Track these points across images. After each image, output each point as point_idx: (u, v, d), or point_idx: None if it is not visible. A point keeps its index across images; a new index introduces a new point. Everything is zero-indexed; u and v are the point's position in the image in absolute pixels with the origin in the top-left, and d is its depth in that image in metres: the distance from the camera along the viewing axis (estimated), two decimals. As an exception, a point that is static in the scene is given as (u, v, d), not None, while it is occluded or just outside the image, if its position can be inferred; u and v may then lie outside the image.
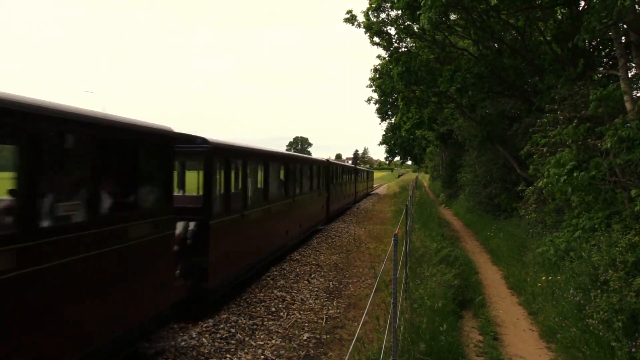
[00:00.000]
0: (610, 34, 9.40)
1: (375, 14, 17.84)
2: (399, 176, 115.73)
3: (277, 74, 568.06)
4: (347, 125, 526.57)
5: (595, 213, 8.61)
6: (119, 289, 5.29)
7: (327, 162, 21.44)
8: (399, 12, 16.24)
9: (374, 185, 60.82)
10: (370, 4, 17.61)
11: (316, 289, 10.08)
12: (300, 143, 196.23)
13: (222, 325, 7.64)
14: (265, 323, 7.90)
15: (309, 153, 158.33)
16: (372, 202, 34.58)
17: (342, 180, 25.95)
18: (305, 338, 7.23)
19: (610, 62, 12.86)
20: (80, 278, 4.64)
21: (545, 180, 8.68)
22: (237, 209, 9.27)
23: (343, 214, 25.66)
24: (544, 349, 6.81)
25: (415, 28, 16.79)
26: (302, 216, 15.37)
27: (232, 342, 7.05)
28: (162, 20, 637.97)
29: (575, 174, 8.04)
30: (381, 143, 57.48)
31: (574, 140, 8.62)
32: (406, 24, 16.84)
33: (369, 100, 41.85)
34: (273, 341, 7.12)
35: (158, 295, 6.32)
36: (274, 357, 6.55)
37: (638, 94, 10.21)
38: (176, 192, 8.76)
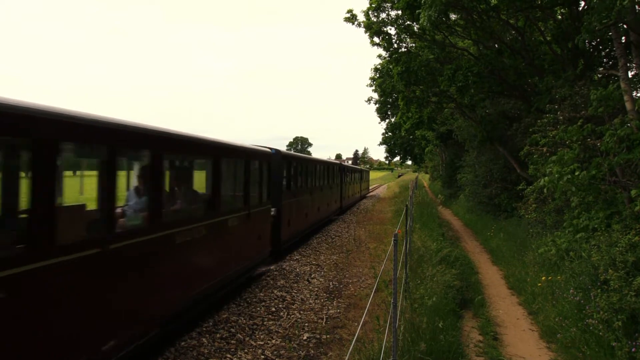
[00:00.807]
0: (610, 34, 9.41)
1: (376, 14, 17.87)
2: (399, 176, 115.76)
3: (277, 74, 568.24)
4: (347, 125, 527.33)
5: (595, 213, 8.62)
6: None
7: (274, 154, 12.35)
8: (399, 12, 16.26)
9: (373, 187, 60.66)
10: (370, 4, 17.63)
11: (316, 289, 10.08)
12: (300, 143, 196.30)
13: (222, 325, 7.64)
14: (265, 323, 7.90)
15: (309, 153, 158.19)
16: (372, 202, 34.54)
17: (311, 185, 17.32)
18: (305, 338, 7.22)
19: (610, 62, 12.87)
20: None
21: (546, 178, 8.68)
22: None
23: (317, 232, 18.29)
24: (544, 349, 6.81)
25: (415, 28, 16.81)
26: (158, 286, 6.19)
27: (232, 342, 7.05)
28: (162, 20, 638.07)
29: (576, 174, 8.04)
30: (381, 143, 57.57)
31: (576, 140, 8.62)
32: (406, 23, 16.85)
33: (369, 100, 41.96)
34: (273, 341, 7.12)
35: None
36: (274, 357, 6.55)
37: (638, 94, 10.22)
38: None
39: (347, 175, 28.10)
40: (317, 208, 18.49)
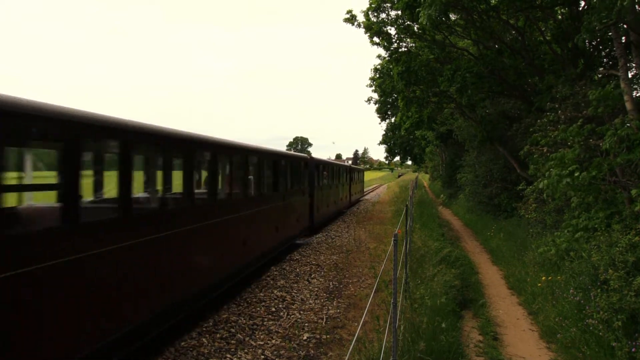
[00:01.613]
0: (610, 34, 9.40)
1: (375, 14, 17.85)
2: (399, 176, 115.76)
3: (277, 74, 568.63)
4: (347, 125, 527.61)
5: (595, 213, 8.62)
6: None
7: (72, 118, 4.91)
8: (399, 12, 16.25)
9: (371, 187, 60.54)
10: (370, 4, 17.62)
11: (316, 289, 10.08)
12: (300, 143, 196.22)
13: (222, 325, 7.64)
14: (265, 323, 7.90)
15: (309, 153, 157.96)
16: (372, 202, 34.51)
17: (219, 200, 9.10)
18: (305, 338, 7.23)
19: (610, 62, 12.86)
20: None
21: (546, 181, 8.69)
22: None
23: (257, 275, 11.06)
24: (544, 349, 6.81)
25: (415, 28, 16.81)
26: None
27: (232, 342, 7.05)
28: (162, 20, 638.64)
29: (576, 174, 8.04)
30: (381, 143, 57.51)
31: (577, 141, 8.62)
32: (406, 24, 16.84)
33: (369, 100, 41.96)
34: (273, 341, 7.12)
35: None
36: (274, 357, 6.55)
37: (638, 94, 10.22)
38: None
39: (323, 176, 19.68)
40: (242, 241, 9.72)
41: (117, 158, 5.92)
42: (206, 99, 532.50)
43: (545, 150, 10.00)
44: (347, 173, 28.05)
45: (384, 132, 54.89)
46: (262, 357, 6.55)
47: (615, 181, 8.30)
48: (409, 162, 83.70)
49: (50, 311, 4.63)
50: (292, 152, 17.01)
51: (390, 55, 18.50)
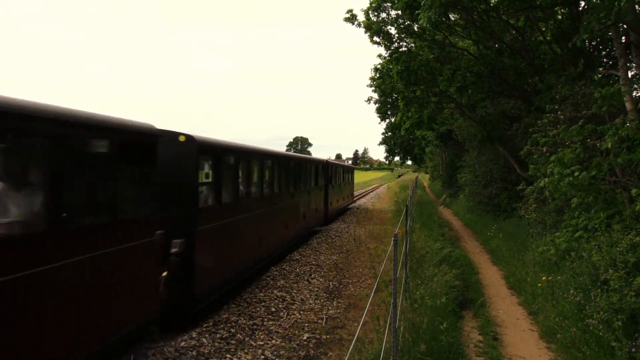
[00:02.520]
0: (610, 34, 9.40)
1: (376, 14, 17.85)
2: (399, 176, 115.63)
3: (277, 74, 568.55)
4: (347, 125, 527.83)
5: (595, 213, 8.61)
6: None
7: None
8: (399, 11, 16.25)
9: (372, 188, 60.39)
10: (370, 4, 17.62)
11: (316, 289, 10.08)
12: (300, 143, 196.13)
13: (222, 325, 7.64)
14: (265, 323, 7.90)
15: (309, 153, 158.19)
16: (372, 202, 34.49)
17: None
18: (305, 338, 7.22)
19: (610, 62, 12.86)
20: None
21: (547, 179, 8.67)
22: None
23: None
24: (544, 349, 6.81)
25: (415, 28, 16.80)
26: None
27: (232, 342, 7.05)
28: (162, 20, 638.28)
29: (576, 174, 8.03)
30: (381, 143, 57.55)
31: (577, 140, 8.61)
32: (406, 23, 16.84)
33: (369, 100, 41.93)
34: (273, 341, 7.12)
35: None
36: (274, 357, 6.55)
37: (638, 94, 10.22)
38: None
39: (237, 182, 9.54)
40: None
41: None
42: (206, 99, 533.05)
43: (545, 150, 10.00)
44: (318, 172, 17.78)
45: (384, 132, 54.88)
46: (262, 357, 6.54)
47: (615, 181, 8.29)
48: (409, 162, 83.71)
49: None
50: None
51: (390, 55, 18.50)
